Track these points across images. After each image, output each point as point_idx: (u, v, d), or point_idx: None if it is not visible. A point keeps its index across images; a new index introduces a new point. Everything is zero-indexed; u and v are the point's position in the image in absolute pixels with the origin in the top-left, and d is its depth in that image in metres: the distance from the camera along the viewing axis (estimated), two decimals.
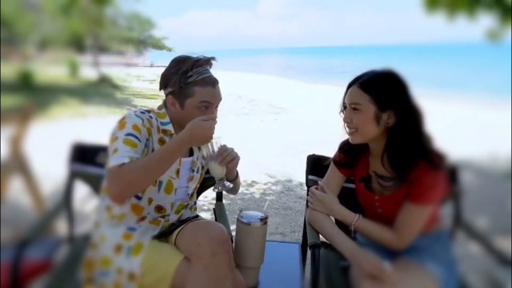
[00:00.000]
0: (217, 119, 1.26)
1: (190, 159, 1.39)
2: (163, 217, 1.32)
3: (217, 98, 1.30)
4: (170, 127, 1.31)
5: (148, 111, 1.30)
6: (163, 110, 1.33)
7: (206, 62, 1.29)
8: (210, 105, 1.28)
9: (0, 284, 1.16)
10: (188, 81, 1.25)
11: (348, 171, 1.40)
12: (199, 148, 1.44)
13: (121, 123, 1.21)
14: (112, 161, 1.13)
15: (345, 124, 1.29)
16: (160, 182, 1.29)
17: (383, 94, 1.21)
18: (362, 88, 1.23)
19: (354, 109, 1.24)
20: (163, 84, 1.31)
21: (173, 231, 1.30)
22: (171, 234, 1.30)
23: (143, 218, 1.29)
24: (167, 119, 1.32)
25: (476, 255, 1.52)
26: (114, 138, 1.19)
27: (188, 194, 1.38)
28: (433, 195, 1.20)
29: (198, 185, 1.45)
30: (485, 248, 1.31)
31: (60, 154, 1.68)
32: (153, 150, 1.25)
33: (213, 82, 1.28)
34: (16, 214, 2.35)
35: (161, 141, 1.29)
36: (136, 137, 1.18)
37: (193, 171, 1.39)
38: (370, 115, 1.22)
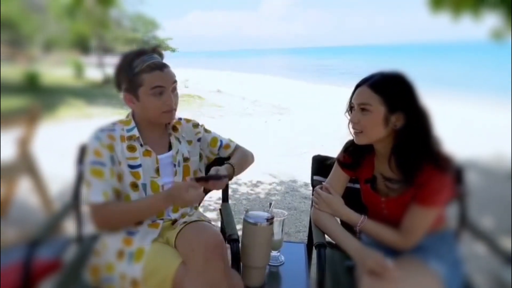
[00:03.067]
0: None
1: (169, 153, 1.39)
2: (161, 219, 1.33)
3: (168, 80, 1.29)
4: (135, 132, 1.33)
5: (114, 123, 1.34)
6: (129, 117, 1.36)
7: (151, 50, 1.30)
8: (163, 90, 1.28)
9: (11, 284, 1.18)
10: (135, 71, 1.26)
11: (352, 171, 1.40)
12: (180, 142, 1.44)
13: (86, 149, 1.29)
14: (91, 197, 1.24)
15: (352, 125, 1.28)
16: (144, 185, 1.30)
17: (393, 96, 1.21)
18: (372, 89, 1.21)
19: (363, 109, 1.23)
20: (117, 84, 1.33)
21: (176, 228, 1.30)
22: (174, 230, 1.30)
23: (141, 222, 1.30)
24: (132, 125, 1.34)
25: (482, 255, 1.52)
26: (85, 164, 1.29)
27: None
28: (440, 197, 1.21)
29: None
30: (491, 248, 1.31)
31: (66, 155, 1.69)
32: (120, 163, 1.28)
33: (160, 66, 1.28)
34: (24, 214, 2.38)
35: (130, 148, 1.31)
36: (100, 163, 1.25)
37: (174, 165, 1.39)
38: (379, 117, 1.21)
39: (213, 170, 1.32)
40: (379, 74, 1.25)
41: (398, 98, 1.21)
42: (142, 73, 1.26)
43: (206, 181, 1.25)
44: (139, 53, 1.28)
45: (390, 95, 1.21)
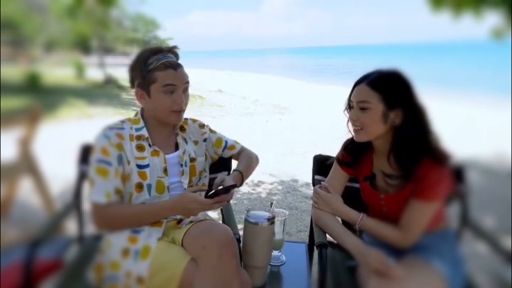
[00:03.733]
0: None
1: (176, 154, 1.39)
2: (165, 218, 1.33)
3: (180, 80, 1.31)
4: (144, 132, 1.34)
5: (123, 121, 1.34)
6: (138, 116, 1.37)
7: (167, 49, 1.32)
8: (175, 88, 1.30)
9: (12, 284, 1.18)
10: (149, 68, 1.28)
11: (352, 170, 1.41)
12: (186, 142, 1.44)
13: (94, 146, 1.29)
14: (93, 195, 1.24)
15: (351, 122, 1.29)
16: (149, 185, 1.30)
17: (391, 93, 1.22)
18: (371, 86, 1.23)
19: (362, 107, 1.24)
20: (131, 80, 1.34)
21: (182, 227, 1.31)
22: (180, 229, 1.30)
23: None
24: (141, 124, 1.35)
25: (483, 254, 1.51)
26: (91, 161, 1.28)
27: (185, 188, 1.38)
28: (438, 191, 1.21)
29: (195, 179, 1.44)
30: (492, 247, 1.31)
31: (67, 155, 1.70)
32: (129, 162, 1.28)
33: (174, 66, 1.30)
34: (26, 214, 2.38)
35: (139, 147, 1.31)
36: (106, 162, 1.25)
37: (181, 165, 1.39)
38: (378, 114, 1.22)
39: (219, 179, 1.33)
40: (376, 72, 1.27)
41: (396, 95, 1.23)
42: (156, 71, 1.28)
43: (217, 196, 1.24)
44: (155, 51, 1.30)
45: (388, 92, 1.22)
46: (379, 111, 1.22)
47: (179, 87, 1.30)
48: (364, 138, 1.29)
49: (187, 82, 1.33)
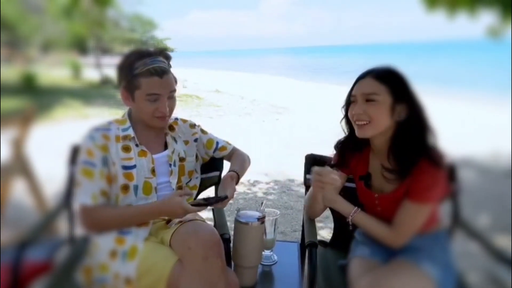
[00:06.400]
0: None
1: (165, 153, 1.38)
2: (151, 219, 1.32)
3: (165, 88, 1.27)
4: (130, 132, 1.32)
5: (110, 122, 1.33)
6: (125, 116, 1.36)
7: (157, 52, 1.29)
8: (158, 97, 1.27)
9: (1, 285, 1.18)
10: (135, 72, 1.25)
11: (347, 170, 1.40)
12: (176, 141, 1.44)
13: (80, 147, 1.29)
14: (80, 197, 1.24)
15: (356, 117, 1.25)
16: (136, 186, 1.30)
17: (398, 86, 1.23)
18: (378, 79, 1.23)
19: (369, 100, 1.23)
20: (118, 80, 1.32)
21: (170, 227, 1.30)
22: (169, 229, 1.30)
23: None
24: (127, 124, 1.33)
25: (476, 253, 1.51)
26: (77, 163, 1.29)
27: (173, 189, 1.37)
28: (433, 194, 1.20)
29: (184, 179, 1.43)
30: (484, 246, 1.31)
31: (62, 156, 1.69)
32: (114, 163, 1.27)
33: (160, 73, 1.26)
34: (19, 215, 2.37)
35: (125, 148, 1.30)
36: (91, 164, 1.25)
37: (170, 165, 1.38)
38: (387, 106, 1.22)
39: (222, 188, 1.36)
40: (379, 67, 1.27)
41: (402, 88, 1.24)
42: (141, 77, 1.25)
43: (204, 206, 1.28)
44: (143, 55, 1.27)
45: (395, 85, 1.23)
46: (388, 103, 1.22)
47: (163, 96, 1.28)
48: (370, 133, 1.25)
49: (173, 90, 1.31)
